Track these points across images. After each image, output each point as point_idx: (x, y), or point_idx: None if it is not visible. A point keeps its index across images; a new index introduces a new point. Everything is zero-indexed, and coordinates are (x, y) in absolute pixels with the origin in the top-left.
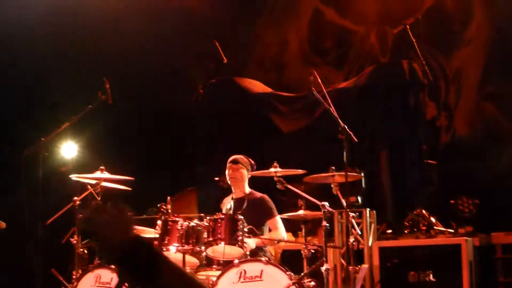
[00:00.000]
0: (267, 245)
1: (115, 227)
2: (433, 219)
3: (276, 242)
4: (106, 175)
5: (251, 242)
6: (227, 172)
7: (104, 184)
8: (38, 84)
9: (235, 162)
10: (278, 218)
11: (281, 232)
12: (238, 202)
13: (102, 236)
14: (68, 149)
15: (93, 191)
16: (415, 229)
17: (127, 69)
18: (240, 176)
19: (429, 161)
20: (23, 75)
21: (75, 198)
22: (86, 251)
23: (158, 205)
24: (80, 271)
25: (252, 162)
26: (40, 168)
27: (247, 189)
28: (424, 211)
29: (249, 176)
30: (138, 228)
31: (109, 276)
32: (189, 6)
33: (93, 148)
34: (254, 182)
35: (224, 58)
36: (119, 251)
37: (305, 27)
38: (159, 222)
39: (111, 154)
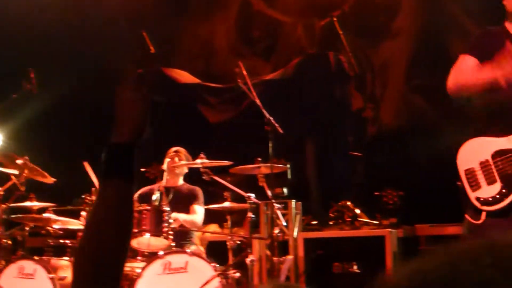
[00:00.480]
0: (186, 228)
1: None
2: (357, 211)
3: (202, 234)
4: (29, 164)
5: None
6: (168, 160)
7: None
8: None
9: (177, 151)
10: (201, 208)
11: (198, 218)
12: (166, 190)
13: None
14: None
15: (16, 182)
16: (340, 221)
17: (52, 58)
18: (178, 166)
19: (354, 153)
20: None
21: None
22: (9, 242)
23: (83, 196)
24: (3, 262)
25: (189, 156)
26: None
27: (181, 181)
28: (349, 203)
29: (187, 170)
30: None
31: (32, 267)
32: None
33: (17, 137)
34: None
35: (152, 48)
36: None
37: (233, 17)
38: (83, 213)
39: (36, 144)
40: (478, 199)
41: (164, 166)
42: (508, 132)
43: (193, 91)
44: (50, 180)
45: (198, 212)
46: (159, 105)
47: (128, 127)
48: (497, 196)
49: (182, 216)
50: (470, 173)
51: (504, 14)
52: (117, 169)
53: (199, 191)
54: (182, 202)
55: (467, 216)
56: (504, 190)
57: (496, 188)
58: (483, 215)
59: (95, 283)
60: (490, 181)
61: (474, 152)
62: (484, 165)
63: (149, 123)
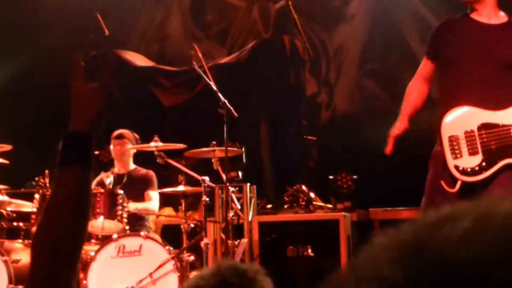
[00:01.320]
0: (143, 214)
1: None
2: (312, 195)
3: (156, 217)
4: None
5: (131, 206)
6: (111, 147)
7: None
8: None
9: (120, 137)
10: (155, 193)
11: (154, 204)
12: (119, 177)
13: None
14: None
15: None
16: (295, 204)
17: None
18: (124, 150)
19: (309, 136)
20: None
21: None
22: None
23: (36, 179)
24: None
25: (137, 136)
26: None
27: (132, 165)
28: (303, 187)
29: (134, 151)
30: (16, 201)
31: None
32: None
33: None
34: (135, 156)
35: (106, 30)
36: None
37: (187, 0)
38: (36, 196)
39: None
40: (457, 167)
41: (112, 153)
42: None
43: (147, 74)
44: (2, 162)
45: (153, 198)
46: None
47: (85, 116)
48: (476, 168)
49: (138, 205)
50: (454, 140)
51: (458, 3)
52: (74, 157)
53: (152, 176)
54: (136, 187)
55: (440, 185)
56: (484, 164)
57: (477, 160)
58: (458, 184)
59: (53, 267)
60: (472, 152)
61: (461, 121)
62: (468, 134)
63: (106, 111)
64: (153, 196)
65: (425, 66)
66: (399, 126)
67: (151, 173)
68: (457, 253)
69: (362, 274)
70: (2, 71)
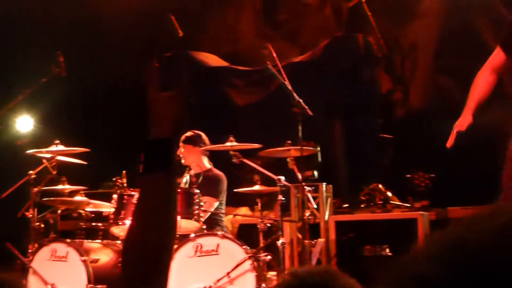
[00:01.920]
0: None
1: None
2: (389, 194)
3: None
4: (61, 148)
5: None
6: (182, 149)
7: (59, 158)
8: None
9: (184, 141)
10: (214, 203)
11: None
12: (195, 177)
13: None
14: (24, 123)
15: (48, 165)
16: (372, 204)
17: (81, 42)
18: (191, 153)
19: (384, 135)
20: None
21: (30, 172)
22: (42, 225)
23: (114, 179)
24: (35, 245)
25: (204, 137)
26: None
27: (207, 165)
28: (380, 186)
29: (204, 150)
30: (94, 201)
31: (64, 250)
32: None
33: (48, 121)
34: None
35: (180, 31)
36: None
37: (259, 0)
38: (114, 196)
39: (67, 128)
40: None
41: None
42: None
43: (221, 74)
44: (81, 163)
45: (212, 206)
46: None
47: (165, 123)
48: None
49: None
50: None
51: None
52: (158, 164)
53: (220, 182)
54: (208, 187)
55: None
56: None
57: None
58: None
59: (144, 273)
60: None
61: None
62: None
63: (186, 118)
64: (212, 204)
65: (497, 57)
66: (463, 122)
67: (221, 178)
68: (492, 249)
69: (404, 271)
70: (76, 76)
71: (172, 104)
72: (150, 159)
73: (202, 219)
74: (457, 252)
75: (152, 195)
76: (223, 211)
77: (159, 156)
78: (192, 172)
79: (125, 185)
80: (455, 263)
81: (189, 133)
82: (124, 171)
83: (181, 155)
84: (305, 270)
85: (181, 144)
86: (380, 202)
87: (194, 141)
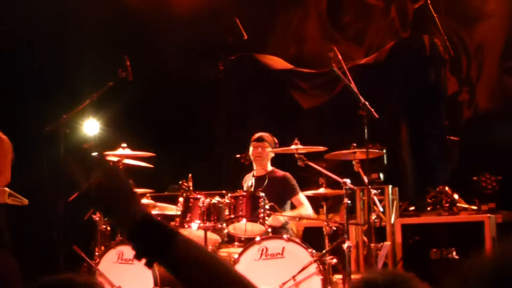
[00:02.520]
0: (291, 221)
1: (118, 200)
2: (456, 196)
3: (298, 219)
4: (128, 152)
5: (280, 218)
6: (251, 149)
7: (126, 161)
8: (58, 62)
9: (260, 140)
10: (301, 195)
11: (308, 208)
12: (260, 179)
13: (106, 209)
14: (90, 126)
15: None
16: (438, 206)
17: (147, 46)
18: (264, 153)
19: (451, 137)
20: (42, 53)
21: None
22: (108, 228)
23: (180, 182)
24: (102, 248)
25: (275, 140)
26: (62, 145)
27: (269, 167)
28: (447, 188)
29: (273, 154)
30: (161, 204)
31: (131, 252)
32: None
33: (114, 125)
34: (274, 159)
35: (245, 34)
36: (127, 227)
37: (324, 2)
38: (180, 199)
39: (133, 131)
40: None
41: (251, 155)
42: None
43: (286, 77)
44: (147, 166)
45: (303, 202)
46: None
47: (133, 205)
48: None
49: (289, 214)
50: None
51: None
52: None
53: (291, 179)
54: (277, 189)
55: None
56: None
57: None
58: None
59: None
60: None
61: None
62: None
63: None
64: (302, 200)
65: None
66: None
67: (289, 175)
68: None
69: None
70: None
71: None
72: (151, 244)
73: (267, 222)
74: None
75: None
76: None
77: (152, 237)
78: (256, 174)
79: (191, 188)
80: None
81: (265, 134)
82: (190, 174)
83: (253, 154)
84: (377, 274)
85: (255, 143)
86: (447, 204)
87: (269, 142)
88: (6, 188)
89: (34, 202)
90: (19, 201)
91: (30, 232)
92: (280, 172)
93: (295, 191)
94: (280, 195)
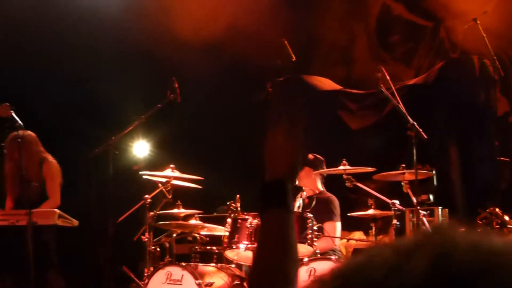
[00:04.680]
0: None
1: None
2: (506, 218)
3: (347, 241)
4: (177, 173)
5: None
6: None
7: (174, 182)
8: (109, 83)
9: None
10: (338, 224)
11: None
12: (308, 200)
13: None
14: (140, 148)
15: (164, 189)
16: (488, 228)
17: (195, 68)
18: (305, 175)
19: (501, 158)
20: (92, 74)
21: (146, 196)
22: (157, 249)
23: (228, 203)
24: (151, 269)
25: (320, 158)
26: (111, 166)
27: (320, 187)
28: (497, 210)
29: (318, 173)
30: (209, 225)
31: (179, 273)
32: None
33: (163, 146)
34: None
35: (293, 55)
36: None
37: (372, 23)
38: (228, 220)
39: (181, 152)
40: None
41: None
42: None
43: (334, 98)
44: (195, 187)
45: (336, 233)
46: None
47: (281, 164)
48: None
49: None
50: None
51: None
52: (275, 204)
53: (334, 203)
54: (319, 211)
55: None
56: None
57: None
58: None
59: None
60: None
61: None
62: None
63: (302, 158)
64: (335, 230)
65: None
66: None
67: (333, 199)
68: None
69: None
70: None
71: (290, 145)
72: (267, 199)
73: (316, 244)
74: None
75: (270, 235)
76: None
77: (275, 196)
78: (305, 194)
79: (239, 209)
80: None
81: (309, 156)
82: (238, 195)
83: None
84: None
85: None
86: (497, 226)
87: (313, 165)
88: (56, 210)
89: (84, 223)
90: (69, 222)
91: (80, 253)
92: (327, 194)
93: (332, 217)
94: (322, 217)
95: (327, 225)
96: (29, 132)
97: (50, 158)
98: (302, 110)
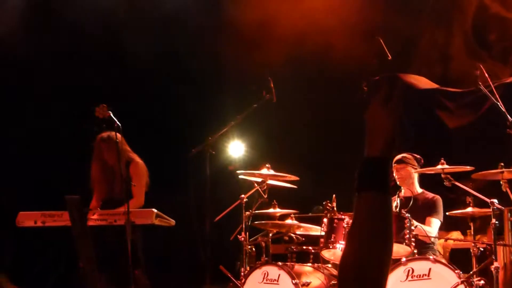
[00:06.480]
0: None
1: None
2: None
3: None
4: (272, 172)
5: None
6: (394, 172)
7: (270, 182)
8: (205, 85)
9: (399, 162)
10: (436, 221)
11: (432, 230)
12: (406, 200)
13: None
14: (235, 148)
15: (259, 189)
16: None
17: (290, 68)
18: (406, 174)
19: None
20: (188, 74)
21: (242, 195)
22: (253, 248)
23: (324, 203)
24: (248, 268)
25: (418, 157)
26: (208, 167)
27: (418, 189)
28: None
29: (416, 173)
30: (305, 225)
31: (276, 273)
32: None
33: (258, 146)
34: (421, 180)
35: (389, 54)
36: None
37: (469, 20)
38: (324, 220)
39: (276, 152)
40: None
41: (395, 178)
42: None
43: (431, 96)
44: (291, 187)
45: (433, 225)
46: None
47: (379, 142)
48: None
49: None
50: None
51: None
52: (372, 183)
53: (437, 201)
54: (421, 211)
55: None
56: None
57: None
58: None
59: None
60: None
61: None
62: None
63: (398, 135)
64: (434, 223)
65: None
66: None
67: (437, 198)
68: None
69: None
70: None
71: (386, 122)
72: (363, 177)
73: (413, 243)
74: None
75: (365, 214)
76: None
77: (372, 174)
78: (402, 194)
79: (335, 208)
80: None
81: (406, 154)
82: (334, 195)
83: (395, 176)
84: None
85: (396, 165)
86: None
87: (411, 163)
88: (153, 209)
89: (182, 223)
90: (167, 222)
91: (177, 252)
92: (430, 194)
93: (434, 214)
94: (423, 215)
95: (427, 219)
96: (116, 133)
97: (137, 158)
98: (400, 92)
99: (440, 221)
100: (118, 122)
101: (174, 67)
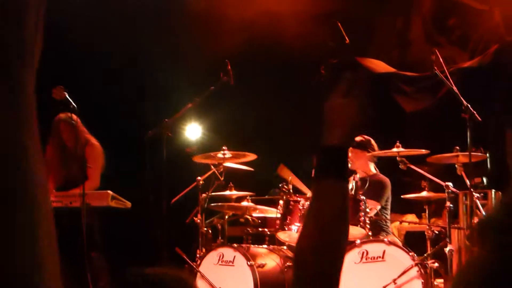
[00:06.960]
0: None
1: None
2: None
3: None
4: (228, 155)
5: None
6: (349, 154)
7: (226, 164)
8: (160, 66)
9: (352, 146)
10: (377, 207)
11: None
12: (361, 182)
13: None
14: (192, 130)
15: (216, 171)
16: None
17: (247, 50)
18: (356, 157)
19: None
20: (145, 56)
21: (199, 178)
22: (210, 230)
23: (280, 185)
24: (203, 250)
25: (368, 138)
26: (164, 149)
27: (373, 170)
28: None
29: (370, 156)
30: (261, 207)
31: (232, 254)
32: None
33: (215, 129)
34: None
35: (346, 38)
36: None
37: (428, 6)
38: (281, 202)
39: (234, 136)
40: None
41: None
42: None
43: (389, 81)
44: (247, 169)
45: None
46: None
47: (341, 130)
48: None
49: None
50: None
51: None
52: (330, 170)
53: (384, 186)
54: (374, 192)
55: None
56: None
57: None
58: None
59: (317, 276)
60: None
61: None
62: None
63: (359, 125)
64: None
65: None
66: None
67: (386, 182)
68: None
69: None
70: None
71: (347, 111)
72: (325, 166)
73: (368, 226)
74: None
75: (324, 201)
76: (388, 217)
77: (331, 162)
78: (358, 177)
79: (291, 191)
80: None
81: (358, 138)
82: (290, 177)
83: (349, 160)
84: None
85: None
86: None
87: (363, 146)
88: (109, 191)
89: (137, 205)
90: (122, 204)
91: (132, 234)
92: (380, 176)
93: (376, 199)
94: (376, 196)
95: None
96: (73, 115)
97: (93, 140)
98: (362, 78)
99: (381, 205)
100: (74, 104)
101: (132, 48)
